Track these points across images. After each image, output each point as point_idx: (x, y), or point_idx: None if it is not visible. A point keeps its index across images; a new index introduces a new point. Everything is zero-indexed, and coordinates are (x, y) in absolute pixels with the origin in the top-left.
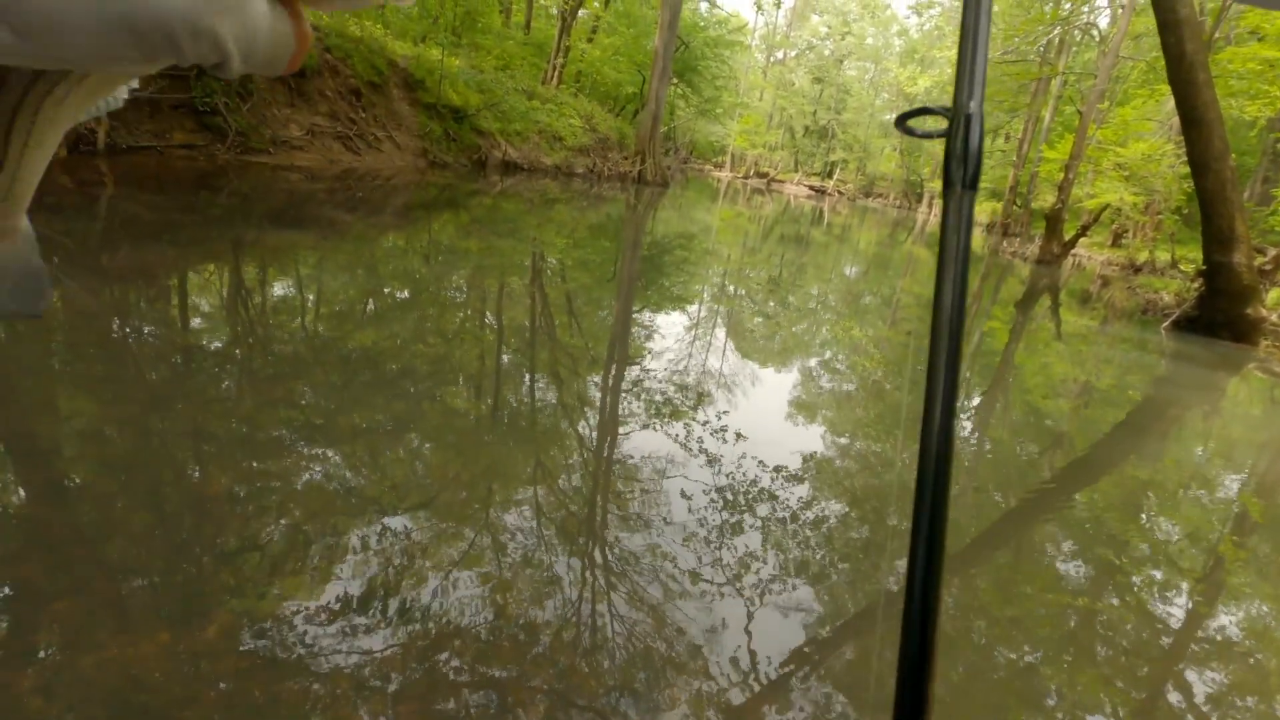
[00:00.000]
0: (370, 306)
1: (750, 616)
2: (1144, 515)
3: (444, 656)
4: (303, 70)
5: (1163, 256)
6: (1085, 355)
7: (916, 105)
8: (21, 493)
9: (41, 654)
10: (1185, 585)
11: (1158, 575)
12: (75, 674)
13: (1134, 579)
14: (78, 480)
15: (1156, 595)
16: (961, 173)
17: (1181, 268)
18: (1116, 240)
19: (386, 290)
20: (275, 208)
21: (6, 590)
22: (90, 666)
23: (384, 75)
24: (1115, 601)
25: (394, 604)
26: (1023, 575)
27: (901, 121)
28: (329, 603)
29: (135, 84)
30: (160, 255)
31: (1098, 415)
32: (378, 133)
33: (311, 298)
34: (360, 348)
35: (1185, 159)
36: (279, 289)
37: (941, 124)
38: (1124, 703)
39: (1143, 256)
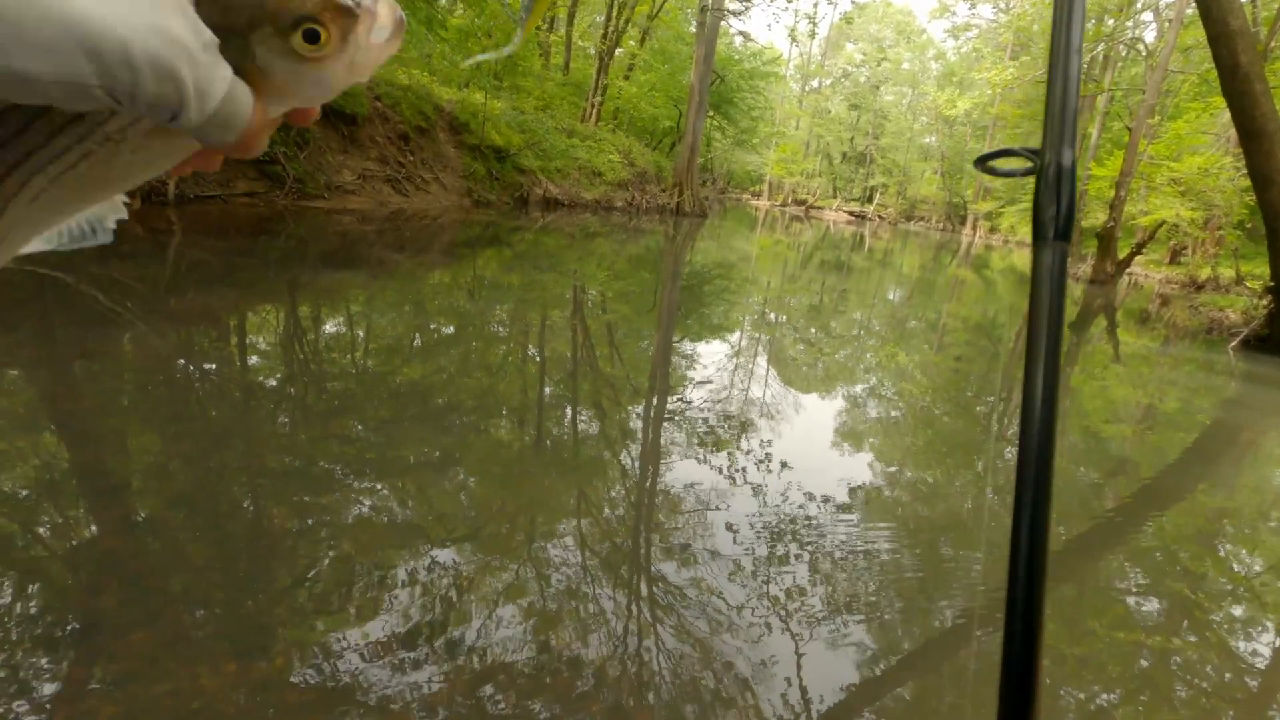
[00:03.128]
0: (418, 342)
1: (801, 654)
2: (1221, 546)
3: (498, 690)
4: (354, 118)
5: (1226, 273)
6: (1147, 377)
7: (956, 127)
8: (96, 527)
9: (121, 682)
10: (1271, 622)
11: (1239, 612)
12: (151, 701)
13: (1213, 616)
14: (148, 514)
15: (1239, 633)
16: (1054, 224)
17: (1248, 284)
18: (1175, 257)
19: (433, 326)
20: (329, 249)
21: (88, 621)
22: (164, 694)
23: (430, 120)
24: (1193, 640)
25: (455, 637)
26: (1089, 611)
27: (982, 161)
28: (390, 635)
29: (124, 212)
30: (223, 297)
31: (1164, 440)
32: (425, 175)
33: (362, 335)
34: (409, 382)
35: (1245, 172)
36: (332, 327)
37: (1019, 161)
38: None
39: (1204, 273)
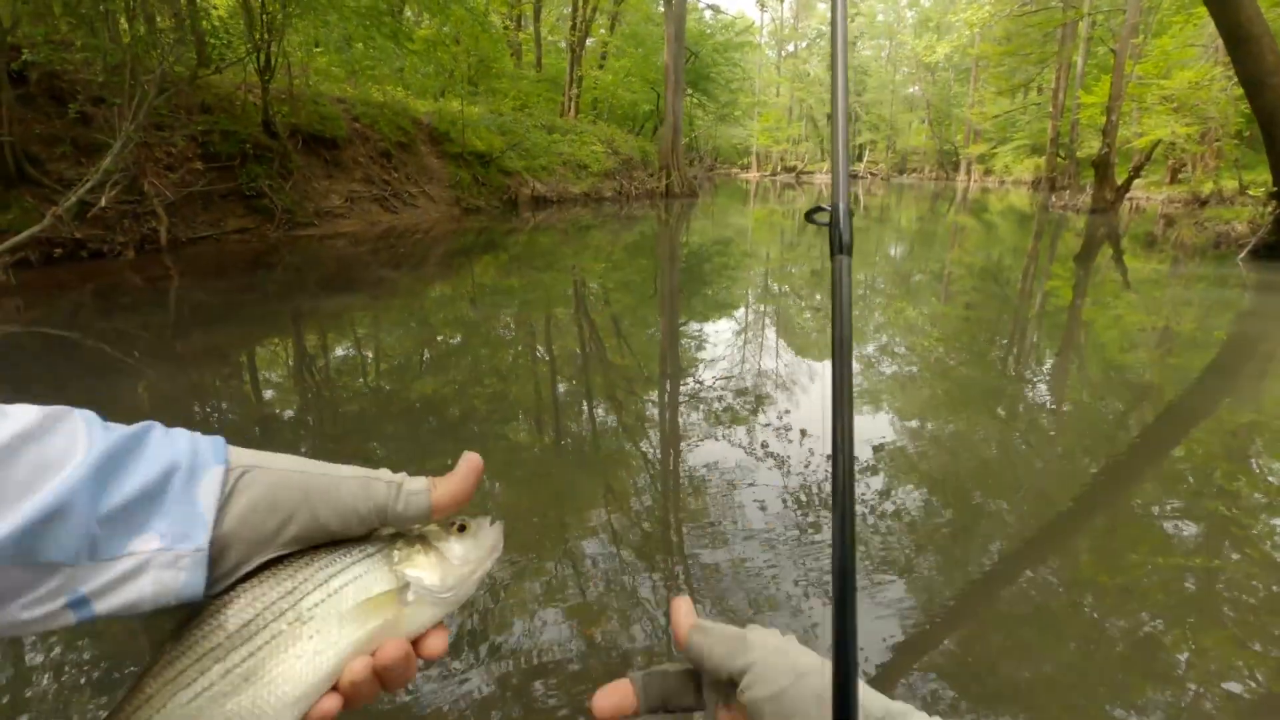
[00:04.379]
0: (426, 356)
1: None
2: (1252, 461)
3: (544, 685)
4: (334, 141)
5: (1229, 185)
6: (1160, 300)
7: (938, 73)
8: None
9: None
10: None
11: (1279, 524)
12: None
13: (1253, 530)
14: None
15: None
16: (839, 244)
17: (1251, 193)
18: (1175, 176)
19: (440, 338)
20: (326, 275)
21: (131, 668)
22: None
23: (410, 134)
24: (1235, 557)
25: (495, 639)
26: (1126, 541)
27: (809, 215)
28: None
29: None
30: (228, 335)
31: (1183, 361)
32: (411, 189)
33: (371, 355)
34: (422, 397)
35: (1237, 80)
36: (340, 351)
37: (824, 214)
38: (1261, 665)
39: (1207, 188)
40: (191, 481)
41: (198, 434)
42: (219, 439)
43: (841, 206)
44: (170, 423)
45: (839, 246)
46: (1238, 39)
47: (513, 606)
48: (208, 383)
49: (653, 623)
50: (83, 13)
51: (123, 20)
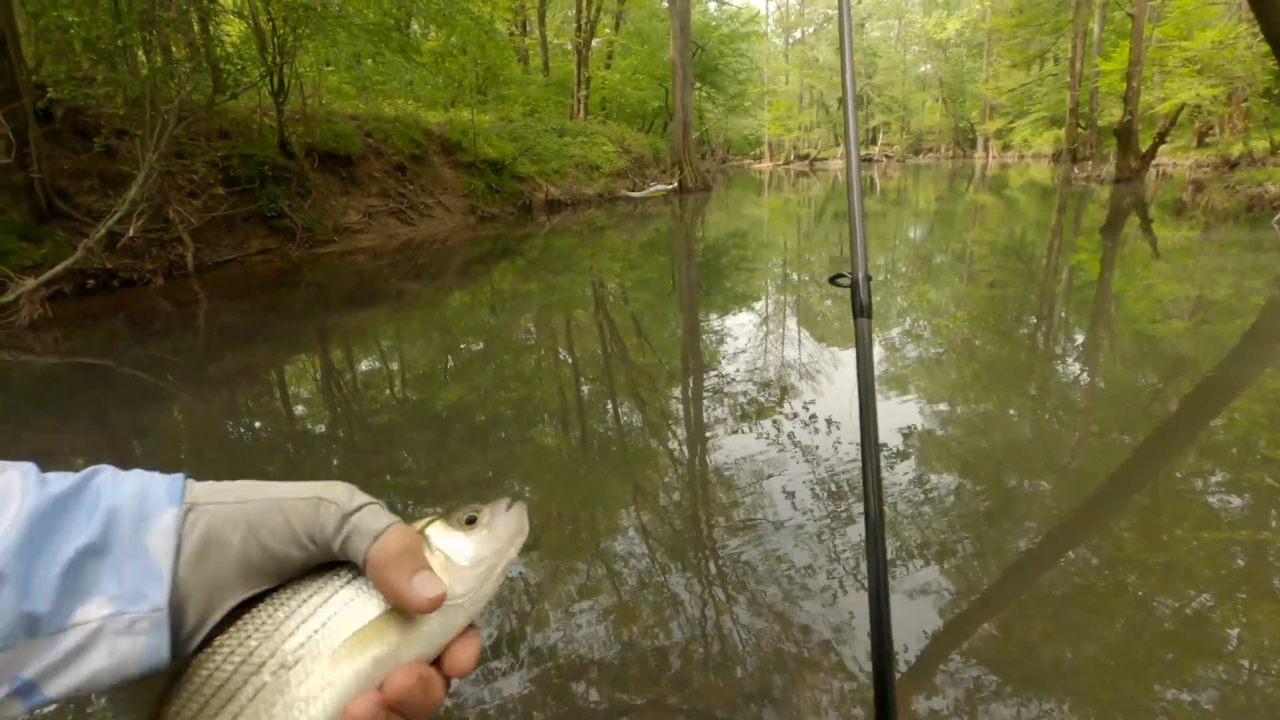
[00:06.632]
0: (450, 364)
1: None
2: None
3: (584, 685)
4: (349, 158)
5: (1259, 145)
6: (1192, 268)
7: (950, 50)
8: None
9: None
10: None
11: None
12: None
13: None
14: None
15: None
16: (860, 308)
17: None
18: (1202, 139)
19: (463, 346)
20: (348, 290)
21: None
22: None
23: (423, 146)
24: None
25: (532, 640)
26: (1169, 517)
27: (832, 280)
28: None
29: None
30: (257, 355)
31: (1219, 330)
32: (427, 200)
33: (396, 367)
34: (449, 405)
35: (1263, 38)
36: (366, 365)
37: (845, 281)
38: None
39: (1236, 150)
40: (139, 530)
41: (155, 474)
42: (178, 477)
43: (860, 274)
44: (203, 446)
45: (861, 310)
46: None
47: (546, 607)
48: (240, 403)
49: (688, 619)
50: (102, 48)
51: (140, 53)
